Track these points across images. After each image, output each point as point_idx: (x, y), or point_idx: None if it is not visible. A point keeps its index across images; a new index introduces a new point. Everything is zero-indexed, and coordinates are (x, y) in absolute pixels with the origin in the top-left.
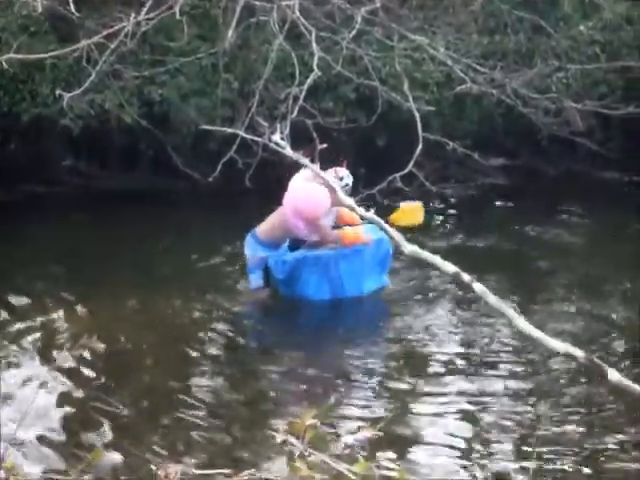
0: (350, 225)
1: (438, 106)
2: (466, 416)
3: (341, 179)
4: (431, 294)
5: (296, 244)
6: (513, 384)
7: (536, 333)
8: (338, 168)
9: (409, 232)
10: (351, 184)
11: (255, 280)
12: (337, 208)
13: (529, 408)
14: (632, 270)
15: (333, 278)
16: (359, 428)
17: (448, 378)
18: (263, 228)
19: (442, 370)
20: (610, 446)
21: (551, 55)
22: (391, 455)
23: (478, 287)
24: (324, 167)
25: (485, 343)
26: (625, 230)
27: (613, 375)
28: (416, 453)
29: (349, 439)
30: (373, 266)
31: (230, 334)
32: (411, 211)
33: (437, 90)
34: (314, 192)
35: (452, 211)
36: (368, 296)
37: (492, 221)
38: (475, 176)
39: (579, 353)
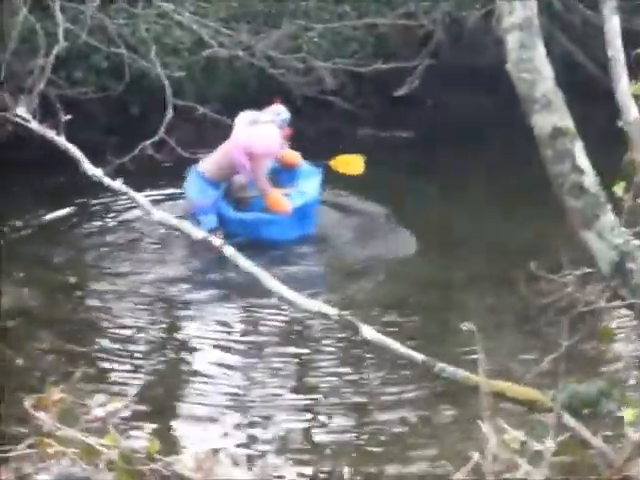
0: (291, 166)
1: (190, 71)
2: (229, 391)
3: (278, 115)
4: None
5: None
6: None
7: (289, 294)
8: (274, 106)
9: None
10: (288, 118)
11: (211, 222)
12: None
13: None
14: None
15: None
16: (108, 400)
17: (209, 354)
18: (209, 167)
19: (202, 347)
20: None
21: (301, 15)
22: (143, 426)
23: (229, 251)
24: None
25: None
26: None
27: (367, 331)
28: (170, 424)
29: (99, 412)
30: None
31: None
32: (351, 160)
33: (188, 55)
34: (265, 131)
35: None
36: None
37: None
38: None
39: (331, 311)
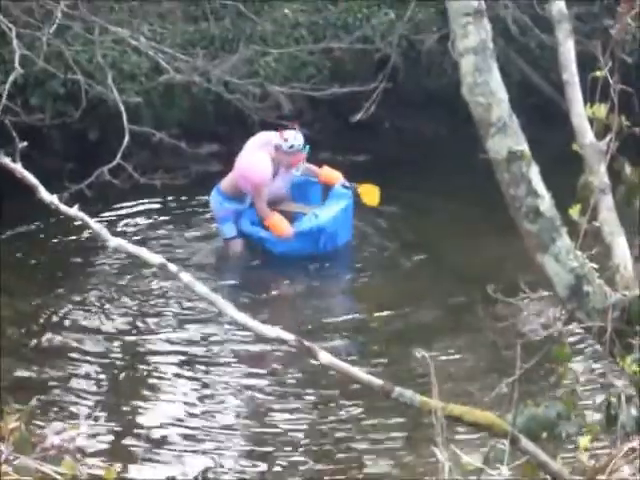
0: (328, 183)
1: (148, 96)
2: (186, 419)
3: (285, 140)
4: None
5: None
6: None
7: (246, 320)
8: (285, 131)
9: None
10: (299, 146)
11: (228, 230)
12: (308, 167)
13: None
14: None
15: None
16: (64, 428)
17: (169, 382)
18: (225, 184)
19: (162, 374)
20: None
21: (257, 40)
22: (99, 453)
23: (185, 277)
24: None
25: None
26: None
27: (324, 356)
28: (127, 451)
29: (55, 439)
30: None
31: None
32: (372, 192)
33: (146, 80)
34: (256, 161)
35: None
36: None
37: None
38: (188, 164)
39: (289, 337)
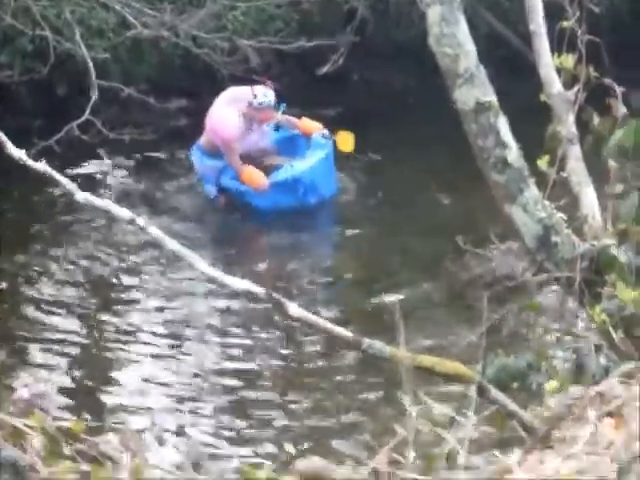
0: (308, 133)
1: (116, 52)
2: (156, 374)
3: (255, 97)
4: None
5: None
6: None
7: (216, 274)
8: (256, 86)
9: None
10: (269, 102)
11: (209, 191)
12: (287, 119)
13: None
14: None
15: None
16: (33, 381)
17: (140, 339)
18: (203, 140)
19: (133, 332)
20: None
21: None
22: (70, 407)
23: (154, 231)
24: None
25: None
26: None
27: (294, 309)
28: (96, 406)
29: (23, 393)
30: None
31: None
32: (346, 138)
33: (113, 36)
34: (224, 117)
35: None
36: None
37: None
38: (156, 119)
39: (259, 290)
